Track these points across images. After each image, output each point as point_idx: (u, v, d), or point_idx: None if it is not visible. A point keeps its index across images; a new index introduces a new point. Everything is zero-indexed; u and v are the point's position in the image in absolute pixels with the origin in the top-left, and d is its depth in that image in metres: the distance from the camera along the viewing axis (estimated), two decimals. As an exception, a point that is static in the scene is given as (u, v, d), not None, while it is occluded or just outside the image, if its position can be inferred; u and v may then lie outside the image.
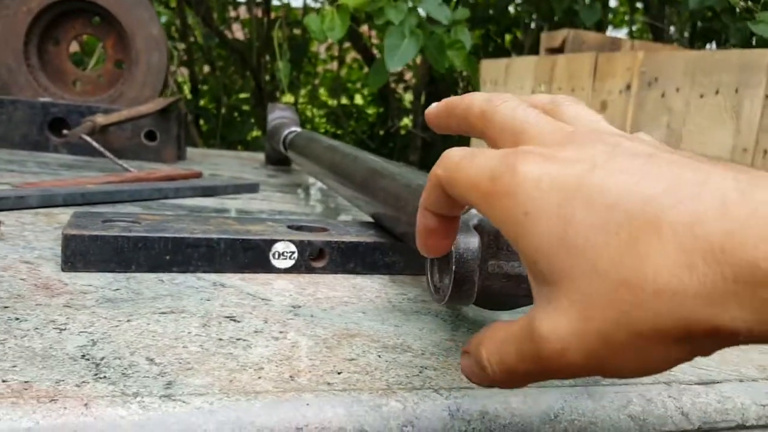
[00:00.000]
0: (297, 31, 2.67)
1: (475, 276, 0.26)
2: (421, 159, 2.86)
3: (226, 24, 2.61)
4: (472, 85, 1.74)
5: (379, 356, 0.29)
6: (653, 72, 0.98)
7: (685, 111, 0.93)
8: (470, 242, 0.26)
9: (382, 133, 3.12)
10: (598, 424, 0.27)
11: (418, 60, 2.26)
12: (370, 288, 0.39)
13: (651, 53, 1.00)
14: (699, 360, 0.32)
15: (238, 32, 2.87)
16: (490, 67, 1.51)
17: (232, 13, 2.71)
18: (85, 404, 0.22)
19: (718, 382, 0.30)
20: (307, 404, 0.24)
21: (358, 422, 0.24)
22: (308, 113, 3.40)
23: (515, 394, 0.26)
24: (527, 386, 0.27)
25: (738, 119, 0.85)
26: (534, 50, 1.74)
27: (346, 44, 3.04)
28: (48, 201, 0.53)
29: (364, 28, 2.48)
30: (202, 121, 2.78)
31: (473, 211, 0.29)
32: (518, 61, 1.41)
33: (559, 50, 1.34)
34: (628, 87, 1.04)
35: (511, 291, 0.30)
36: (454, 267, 0.25)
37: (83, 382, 0.23)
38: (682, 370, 0.30)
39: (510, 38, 2.80)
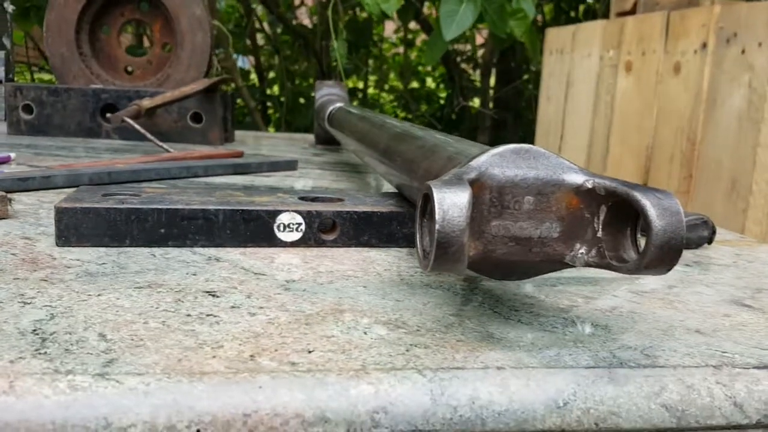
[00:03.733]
0: (363, 15, 2.64)
1: (464, 237, 0.21)
2: (491, 140, 2.78)
3: (291, 10, 2.61)
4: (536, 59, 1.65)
5: (365, 333, 0.25)
6: (731, 27, 0.89)
7: (769, 68, 0.83)
8: (458, 197, 0.22)
9: (453, 116, 3.05)
10: (621, 414, 0.22)
11: (483, 35, 2.18)
12: (382, 261, 0.36)
13: (729, 6, 0.90)
14: (762, 339, 0.26)
15: (304, 19, 2.88)
16: (556, 36, 1.43)
17: (297, 0, 2.71)
18: (11, 382, 0.20)
19: (785, 366, 0.24)
20: (260, 387, 0.20)
21: (319, 408, 0.20)
22: (378, 98, 3.38)
23: (516, 375, 0.22)
24: (533, 366, 0.22)
25: (832, 73, 0.75)
26: (606, 17, 1.63)
27: (415, 26, 2.98)
28: (74, 181, 0.52)
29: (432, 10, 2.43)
30: (270, 110, 2.81)
31: (473, 162, 0.25)
32: (585, 27, 1.32)
33: (631, 13, 1.24)
34: (704, 45, 0.95)
35: (520, 256, 0.25)
36: (437, 226, 0.21)
37: (20, 357, 0.21)
38: (740, 352, 0.25)
39: (583, 8, 2.66)
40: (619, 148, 1.16)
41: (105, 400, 0.19)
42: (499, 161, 0.25)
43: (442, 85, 3.46)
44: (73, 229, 0.35)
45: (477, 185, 0.24)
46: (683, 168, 0.99)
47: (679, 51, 1.00)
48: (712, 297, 0.32)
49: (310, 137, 1.09)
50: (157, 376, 0.20)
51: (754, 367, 0.24)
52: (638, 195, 0.23)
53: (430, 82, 3.63)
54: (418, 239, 0.24)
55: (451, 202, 0.22)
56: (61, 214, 0.34)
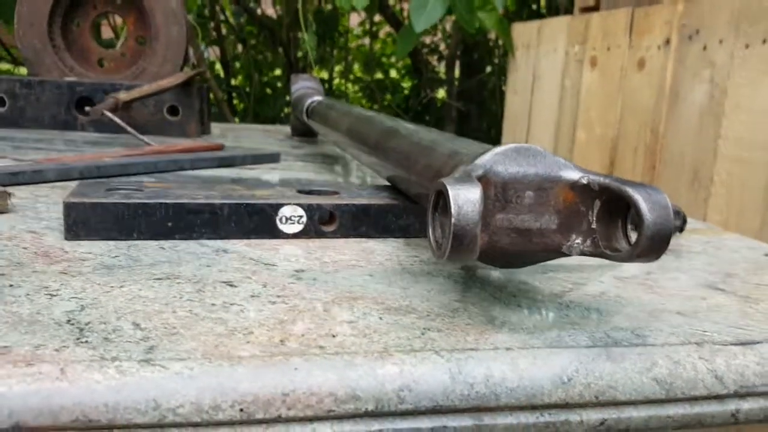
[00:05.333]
0: (328, 6, 2.64)
1: (477, 229, 0.23)
2: (457, 130, 2.82)
3: (256, 1, 2.59)
4: (506, 52, 1.68)
5: (381, 318, 0.27)
6: (694, 24, 0.93)
7: (729, 64, 0.88)
8: (471, 193, 0.24)
9: (419, 108, 3.08)
10: (618, 388, 0.25)
11: (449, 27, 2.21)
12: (381, 251, 0.37)
13: (692, 4, 0.94)
14: (737, 319, 0.29)
15: (269, 9, 2.86)
16: (521, 31, 1.46)
17: (262, -10, 2.69)
18: (61, 369, 0.21)
19: (757, 343, 0.27)
20: (295, 369, 0.22)
21: (350, 387, 0.22)
22: (343, 89, 3.38)
23: (524, 355, 0.24)
24: (538, 347, 0.25)
25: (786, 70, 0.80)
26: (569, 12, 1.67)
27: (379, 18, 2.99)
28: (64, 175, 0.53)
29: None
30: (236, 100, 2.79)
31: (479, 161, 0.27)
32: (550, 23, 1.36)
33: (595, 9, 1.28)
34: (668, 42, 0.99)
35: (521, 246, 0.27)
36: (452, 220, 0.23)
37: (63, 346, 0.22)
38: (717, 330, 0.28)
39: (545, 2, 2.71)
40: (585, 140, 1.20)
41: (153, 383, 0.21)
42: (502, 159, 0.27)
43: (406, 77, 3.48)
44: (82, 223, 0.35)
45: (483, 181, 0.26)
46: (647, 159, 1.03)
47: (643, 47, 1.03)
48: (687, 282, 0.35)
49: (286, 129, 1.10)
50: (199, 360, 0.22)
51: (731, 344, 0.27)
52: (630, 191, 0.25)
53: (394, 74, 3.65)
54: (430, 231, 0.26)
55: (465, 198, 0.24)
56: (69, 208, 0.35)
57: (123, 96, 0.79)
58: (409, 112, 2.94)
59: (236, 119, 2.72)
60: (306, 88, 0.94)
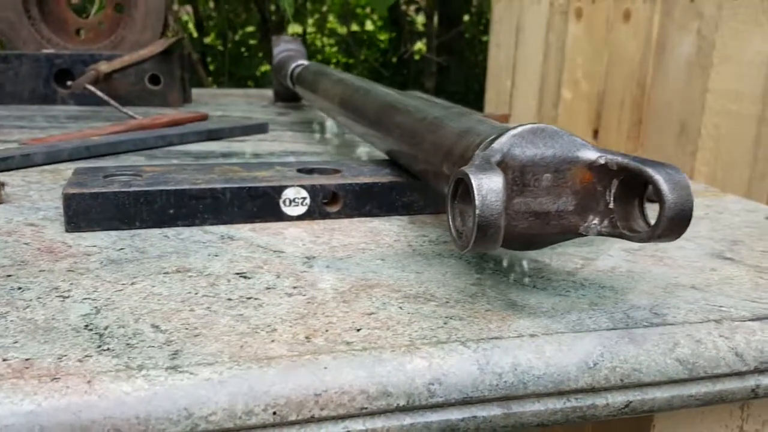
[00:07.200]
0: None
1: (501, 220, 0.23)
2: (437, 84, 2.79)
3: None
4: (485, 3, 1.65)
5: (401, 308, 0.27)
6: (681, -25, 0.92)
7: (717, 15, 0.87)
8: (494, 182, 0.23)
9: (395, 60, 3.03)
10: (642, 370, 0.25)
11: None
12: (388, 231, 0.37)
13: (678, -46, 0.93)
14: (749, 292, 0.29)
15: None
16: (504, -18, 1.43)
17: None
18: (88, 381, 0.21)
19: (770, 314, 0.28)
20: (325, 368, 0.22)
21: (381, 384, 0.22)
22: (318, 43, 3.31)
23: (549, 342, 0.24)
24: (561, 332, 0.25)
25: (775, 21, 0.79)
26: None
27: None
28: (53, 157, 0.51)
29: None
30: (209, 59, 2.72)
31: (495, 145, 0.26)
32: (534, -26, 1.33)
33: (578, -42, 1.25)
34: (654, -7, 0.97)
35: (539, 229, 0.27)
36: (477, 211, 0.23)
37: (86, 356, 0.22)
38: (733, 305, 0.28)
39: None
40: (571, 94, 1.19)
41: (183, 392, 0.21)
42: (519, 141, 0.27)
43: (383, 30, 3.42)
44: (82, 214, 0.35)
45: (501, 166, 0.26)
46: (634, 113, 1.03)
47: (629, -1, 1.02)
48: (695, 251, 0.35)
49: (267, 93, 1.08)
50: (227, 364, 0.22)
51: (749, 320, 0.27)
52: (651, 171, 0.25)
53: (369, 25, 3.58)
54: (450, 220, 0.26)
55: (488, 188, 0.23)
56: (69, 200, 0.34)
57: (104, 67, 0.76)
58: (388, 68, 2.90)
59: (210, 79, 2.66)
60: (288, 50, 0.92)
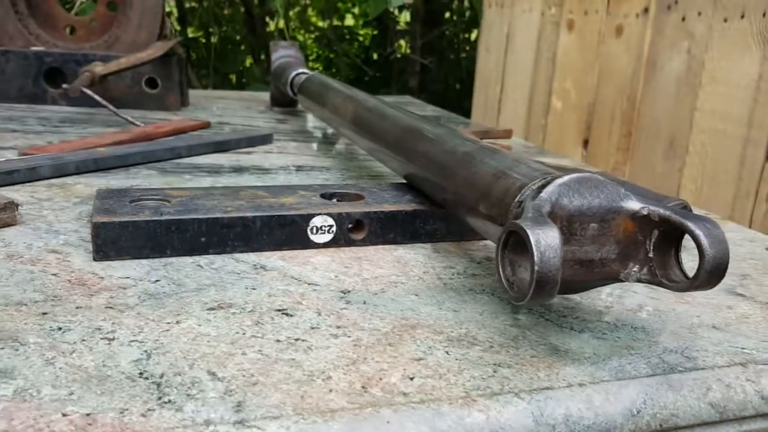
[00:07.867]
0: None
1: (559, 275, 0.24)
2: (420, 84, 2.79)
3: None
4: (473, 5, 1.66)
5: (447, 353, 0.27)
6: (675, -6, 0.93)
7: (707, 36, 0.89)
8: (551, 238, 0.24)
9: (375, 56, 3.03)
10: (679, 415, 0.26)
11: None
12: (414, 262, 0.37)
13: (672, -27, 0.95)
14: (764, 331, 0.31)
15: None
16: (495, -11, 1.44)
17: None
18: (157, 438, 0.21)
19: (787, 354, 0.29)
20: (388, 422, 0.22)
21: (442, 437, 0.22)
22: (300, 37, 3.29)
23: (597, 391, 0.25)
24: (606, 380, 0.26)
25: (765, 45, 0.81)
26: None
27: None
28: (60, 170, 0.50)
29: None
30: (193, 55, 2.69)
31: (544, 194, 0.27)
32: (526, -18, 1.34)
33: (569, -32, 1.27)
34: (646, 10, 0.99)
35: (582, 276, 0.28)
36: (536, 267, 0.23)
37: (149, 409, 0.22)
38: (755, 347, 0.29)
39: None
40: (561, 104, 1.21)
41: (253, 447, 0.21)
42: (566, 191, 0.27)
43: (365, 27, 3.41)
44: (112, 243, 0.34)
45: (551, 216, 0.27)
46: (623, 126, 1.05)
47: (621, 14, 1.04)
48: (714, 288, 0.36)
49: (261, 97, 1.07)
50: (293, 418, 0.22)
51: (778, 366, 0.28)
52: (692, 225, 0.26)
53: (349, 20, 3.56)
54: (500, 270, 0.26)
55: (546, 244, 0.24)
56: (98, 228, 0.34)
57: (99, 69, 0.75)
58: (371, 65, 2.89)
59: (193, 72, 2.62)
60: (287, 57, 0.92)
